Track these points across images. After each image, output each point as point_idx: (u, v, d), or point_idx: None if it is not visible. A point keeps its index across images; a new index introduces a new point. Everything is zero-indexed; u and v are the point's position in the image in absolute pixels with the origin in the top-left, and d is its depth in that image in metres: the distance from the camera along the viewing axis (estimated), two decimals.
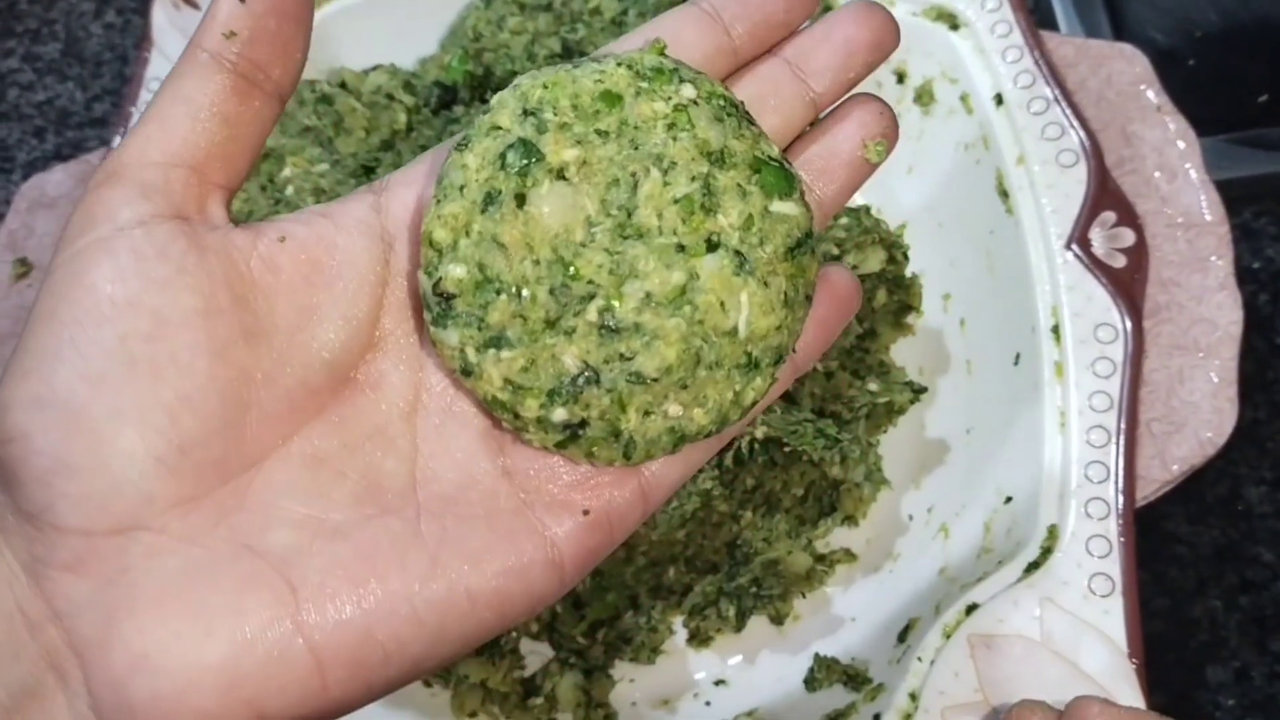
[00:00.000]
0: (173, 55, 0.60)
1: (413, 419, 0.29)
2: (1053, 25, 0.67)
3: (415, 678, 0.27)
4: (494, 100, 0.28)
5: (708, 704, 0.52)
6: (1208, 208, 0.50)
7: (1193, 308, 0.49)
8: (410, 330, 0.29)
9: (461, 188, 0.27)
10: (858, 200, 0.58)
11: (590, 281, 0.27)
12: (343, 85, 0.61)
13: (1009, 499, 0.49)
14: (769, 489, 0.53)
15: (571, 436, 0.28)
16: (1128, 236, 0.50)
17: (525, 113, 0.28)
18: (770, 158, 0.29)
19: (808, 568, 0.52)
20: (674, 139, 0.28)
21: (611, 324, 0.27)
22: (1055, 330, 0.49)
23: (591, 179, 0.27)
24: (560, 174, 0.27)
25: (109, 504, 0.25)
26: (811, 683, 0.49)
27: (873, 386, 0.54)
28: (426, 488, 0.28)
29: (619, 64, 0.28)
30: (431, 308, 0.28)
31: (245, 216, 0.56)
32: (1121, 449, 0.46)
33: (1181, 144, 0.51)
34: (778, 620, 0.52)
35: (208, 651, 0.24)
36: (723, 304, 0.27)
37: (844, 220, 0.54)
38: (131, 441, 0.25)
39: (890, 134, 0.31)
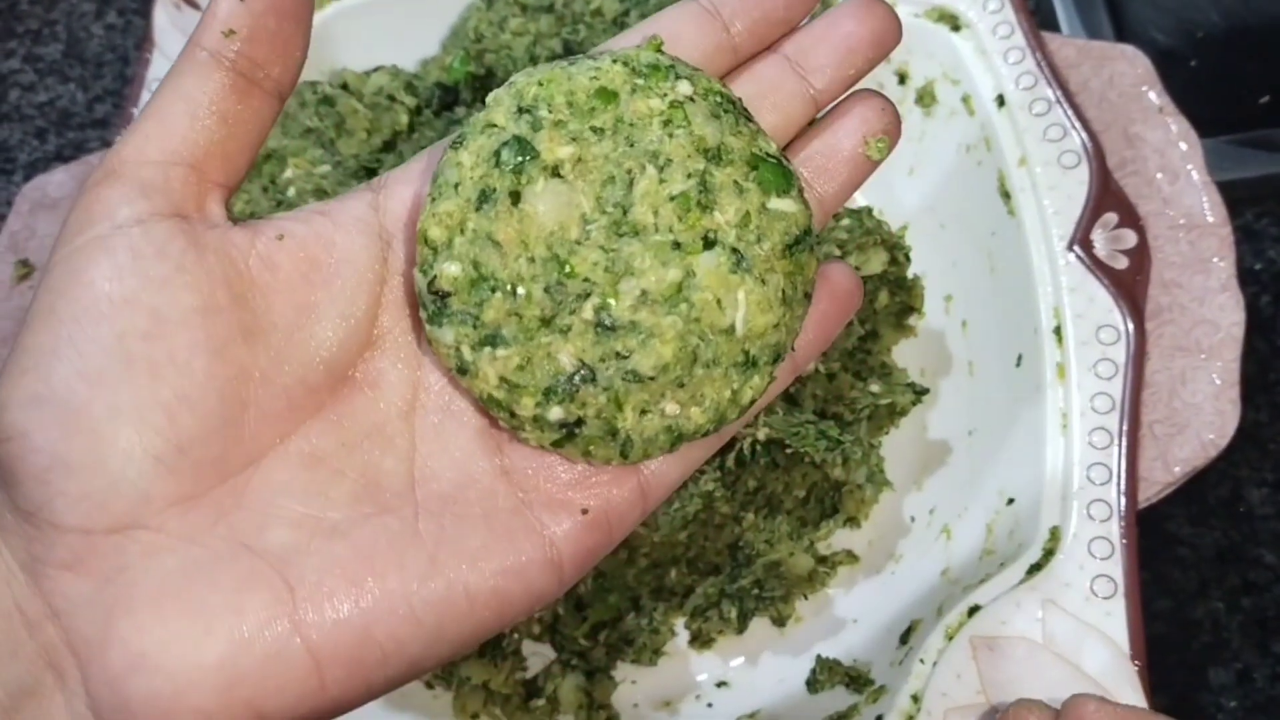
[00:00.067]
0: (174, 56, 0.60)
1: (411, 418, 0.29)
2: (1054, 26, 0.66)
3: (414, 677, 0.27)
4: (489, 98, 0.28)
5: (710, 705, 0.51)
6: (1210, 209, 0.50)
7: (1195, 309, 0.49)
8: (408, 329, 0.29)
9: (456, 185, 0.27)
10: (859, 201, 0.58)
11: (586, 279, 0.27)
12: (344, 86, 0.61)
13: (1011, 501, 0.49)
14: (771, 490, 0.53)
15: (568, 435, 0.28)
16: (1130, 238, 0.50)
17: (520, 110, 0.28)
18: (768, 154, 0.29)
19: (810, 569, 0.52)
20: (670, 136, 0.28)
21: (607, 322, 0.27)
22: (1057, 331, 0.49)
23: (587, 176, 0.27)
24: (555, 171, 0.27)
25: (107, 502, 0.25)
26: (813, 684, 0.49)
27: (874, 388, 0.54)
28: (425, 487, 0.28)
29: (615, 61, 0.28)
30: (427, 306, 0.28)
31: (247, 217, 0.56)
32: (1123, 450, 0.46)
33: (1183, 145, 0.51)
34: (779, 622, 0.52)
35: (206, 650, 0.24)
36: (719, 302, 0.27)
37: (846, 221, 0.54)
38: (129, 440, 0.25)
39: (892, 131, 0.31)
